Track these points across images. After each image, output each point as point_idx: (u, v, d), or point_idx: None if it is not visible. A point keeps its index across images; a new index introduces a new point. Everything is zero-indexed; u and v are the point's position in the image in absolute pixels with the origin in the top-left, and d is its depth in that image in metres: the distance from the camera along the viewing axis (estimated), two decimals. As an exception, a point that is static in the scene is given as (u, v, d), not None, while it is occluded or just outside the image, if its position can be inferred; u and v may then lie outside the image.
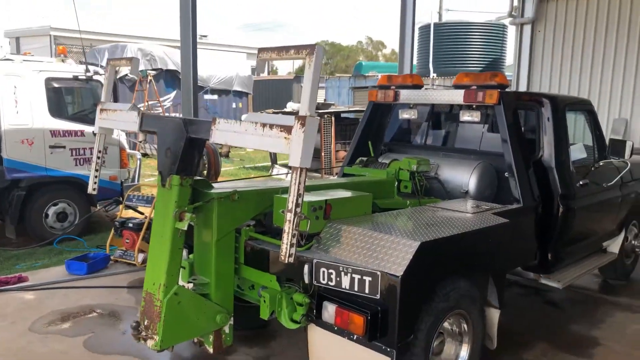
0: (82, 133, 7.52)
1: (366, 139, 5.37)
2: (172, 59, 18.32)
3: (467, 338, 3.53)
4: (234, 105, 20.64)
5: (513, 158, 4.31)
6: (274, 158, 15.33)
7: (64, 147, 7.40)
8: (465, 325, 3.51)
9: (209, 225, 3.31)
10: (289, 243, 2.46)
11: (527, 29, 12.56)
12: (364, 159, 5.00)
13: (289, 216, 2.45)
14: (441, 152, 5.12)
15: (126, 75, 17.12)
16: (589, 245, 5.20)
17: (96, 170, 3.95)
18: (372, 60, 47.17)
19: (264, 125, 2.53)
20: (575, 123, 5.59)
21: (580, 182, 4.73)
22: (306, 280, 3.12)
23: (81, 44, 9.13)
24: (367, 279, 2.94)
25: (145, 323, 3.22)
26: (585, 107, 5.28)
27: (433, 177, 4.78)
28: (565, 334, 4.72)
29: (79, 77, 7.74)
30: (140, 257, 6.03)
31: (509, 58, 13.81)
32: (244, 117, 2.74)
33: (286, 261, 2.49)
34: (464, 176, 4.63)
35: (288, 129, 2.43)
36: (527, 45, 12.58)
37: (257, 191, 3.54)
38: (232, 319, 3.45)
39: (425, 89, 5.14)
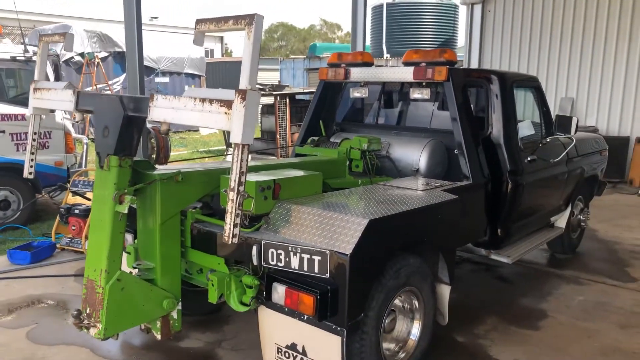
0: (23, 117, 7.17)
1: (317, 119, 5.30)
2: (122, 41, 17.69)
3: (419, 315, 3.55)
4: (186, 87, 20.15)
5: (462, 135, 4.32)
6: (228, 141, 15.09)
7: (3, 131, 7.05)
8: (417, 302, 3.52)
9: (152, 208, 3.18)
10: (232, 223, 2.37)
11: (478, 8, 12.71)
12: (315, 138, 4.93)
13: (232, 195, 2.36)
14: (393, 131, 5.11)
15: (72, 57, 16.45)
16: (537, 220, 5.31)
17: (32, 154, 3.74)
18: (328, 42, 46.92)
19: (203, 100, 2.42)
20: (525, 100, 5.66)
21: (528, 158, 4.80)
22: (255, 261, 3.05)
23: (18, 23, 8.66)
24: (316, 258, 2.89)
25: (88, 311, 3.09)
26: (532, 84, 5.34)
27: (384, 156, 4.76)
28: (514, 307, 4.83)
29: (17, 58, 7.37)
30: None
31: (461, 39, 13.93)
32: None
33: (230, 242, 2.40)
34: (414, 154, 4.62)
35: (228, 104, 2.32)
36: (478, 25, 12.73)
37: (202, 172, 3.42)
38: (180, 304, 3.35)
39: (376, 66, 5.10)
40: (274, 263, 3.03)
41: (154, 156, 3.97)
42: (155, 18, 28.43)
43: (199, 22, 2.49)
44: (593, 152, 6.26)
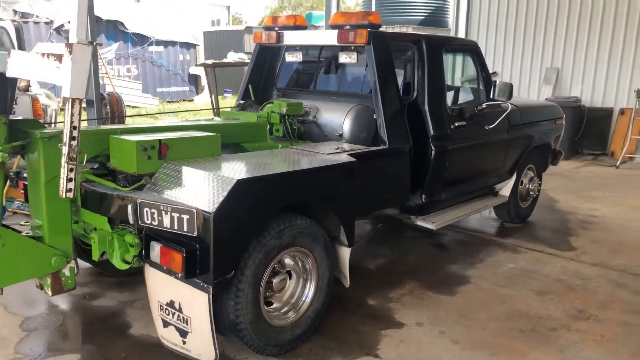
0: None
1: (254, 83, 5.27)
2: (114, 8, 17.65)
3: (312, 275, 3.57)
4: (181, 57, 20.13)
5: (380, 99, 4.28)
6: (217, 109, 15.09)
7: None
8: (309, 263, 3.54)
9: (37, 167, 3.21)
10: (65, 178, 2.39)
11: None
12: (242, 102, 4.92)
13: (64, 150, 2.37)
14: (326, 96, 5.07)
15: (62, 25, 16.45)
16: (470, 187, 5.27)
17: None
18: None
19: (44, 55, 2.42)
20: (465, 65, 5.57)
21: (456, 124, 4.74)
22: (131, 220, 3.08)
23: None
24: (185, 217, 2.91)
25: (-30, 266, 3.15)
26: (469, 49, 5.24)
27: (311, 121, 4.73)
28: (439, 273, 4.83)
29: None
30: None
31: (452, 8, 13.67)
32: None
33: (64, 197, 2.43)
34: (338, 119, 4.59)
35: (59, 58, 2.32)
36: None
37: (91, 132, 3.44)
38: (72, 261, 3.40)
39: (308, 30, 5.04)
40: (149, 222, 3.06)
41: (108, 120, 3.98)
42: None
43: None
44: (544, 120, 6.15)
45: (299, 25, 5.02)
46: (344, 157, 3.75)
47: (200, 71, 18.98)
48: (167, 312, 3.19)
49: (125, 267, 3.25)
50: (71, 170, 2.41)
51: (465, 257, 5.22)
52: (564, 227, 6.24)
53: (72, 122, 2.35)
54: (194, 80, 20.59)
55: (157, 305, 3.24)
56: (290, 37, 4.95)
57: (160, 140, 3.30)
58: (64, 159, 2.40)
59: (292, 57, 5.14)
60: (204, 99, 19.67)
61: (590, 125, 10.86)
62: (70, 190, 2.42)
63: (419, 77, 4.59)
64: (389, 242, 5.63)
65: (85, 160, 2.84)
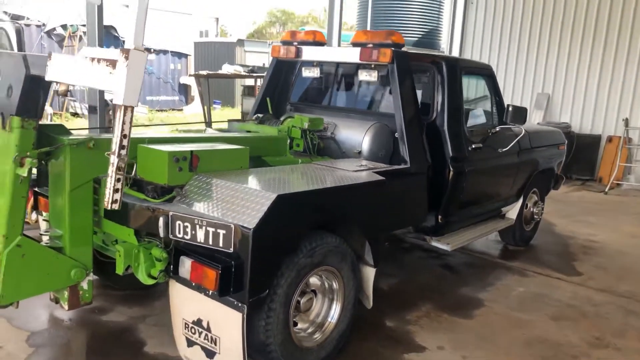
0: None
1: (269, 96, 5.22)
2: (107, 13, 17.43)
3: (338, 296, 3.49)
4: (172, 67, 19.98)
5: (402, 118, 4.25)
6: (208, 121, 14.97)
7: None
8: (336, 283, 3.46)
9: (62, 174, 3.09)
10: (112, 188, 2.29)
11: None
12: (260, 115, 4.85)
13: (112, 159, 2.28)
14: (343, 113, 5.03)
15: (54, 29, 16.19)
16: (482, 209, 5.26)
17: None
18: (324, 29, 46.51)
19: (92, 59, 2.33)
20: (477, 88, 5.60)
21: (473, 146, 4.74)
22: (161, 233, 2.96)
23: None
24: (221, 232, 2.82)
25: (-13, 277, 3.00)
26: (484, 72, 5.28)
27: (329, 137, 4.68)
28: (453, 295, 4.79)
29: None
30: (34, 215, 5.70)
31: (446, 30, 13.85)
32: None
33: (109, 207, 2.33)
34: (357, 136, 4.55)
35: (113, 63, 2.24)
36: (460, 16, 12.66)
37: (119, 140, 3.32)
38: (90, 274, 3.27)
39: (328, 47, 5.02)
40: (180, 236, 2.95)
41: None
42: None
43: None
44: (549, 145, 6.21)
45: (318, 42, 5.00)
46: (373, 175, 3.70)
47: (190, 81, 18.85)
48: (192, 330, 3.07)
49: (150, 282, 3.12)
50: (118, 180, 2.31)
51: (475, 279, 5.20)
52: (567, 252, 6.27)
53: (122, 130, 2.25)
54: (184, 89, 20.44)
55: (182, 323, 3.12)
56: (310, 53, 4.92)
57: (192, 151, 3.21)
58: (111, 169, 2.30)
59: (308, 73, 5.10)
60: (193, 109, 19.53)
61: (578, 151, 11.04)
62: (116, 201, 2.32)
63: (438, 98, 4.59)
64: (396, 261, 5.58)
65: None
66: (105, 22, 17.67)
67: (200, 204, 3.05)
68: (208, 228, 2.86)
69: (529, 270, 5.55)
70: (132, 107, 2.25)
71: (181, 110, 19.79)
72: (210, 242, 2.86)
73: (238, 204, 2.93)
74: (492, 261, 5.83)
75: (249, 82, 15.28)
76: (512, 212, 5.86)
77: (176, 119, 18.28)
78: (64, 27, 17.12)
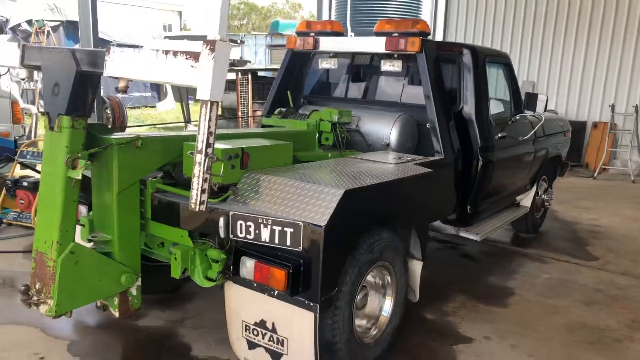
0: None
1: (284, 89, 5.08)
2: (75, 10, 16.84)
3: (391, 291, 3.43)
4: (143, 62, 19.44)
5: (435, 109, 4.20)
6: (187, 117, 14.64)
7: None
8: (389, 278, 3.40)
9: (109, 175, 2.93)
10: (199, 189, 2.16)
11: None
12: (283, 109, 4.73)
13: (199, 158, 2.15)
14: (362, 105, 4.95)
15: (19, 24, 15.55)
16: (505, 198, 5.28)
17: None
18: (290, 21, 46.14)
19: (167, 52, 2.19)
20: (497, 77, 5.60)
21: (499, 135, 4.74)
22: (222, 234, 2.85)
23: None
24: (289, 230, 2.72)
25: (37, 286, 2.84)
26: (503, 60, 5.28)
27: (354, 130, 4.60)
28: (481, 285, 4.79)
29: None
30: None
31: (426, 18, 13.89)
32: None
33: (197, 209, 2.20)
34: (385, 128, 4.48)
35: (195, 56, 2.10)
36: (443, 4, 12.73)
37: (163, 138, 3.18)
38: (139, 279, 3.12)
39: (347, 37, 4.92)
40: (242, 236, 2.83)
41: (109, 127, 3.67)
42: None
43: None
44: (557, 133, 6.28)
45: (336, 32, 4.90)
46: (419, 167, 3.65)
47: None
48: (255, 332, 2.96)
49: (208, 284, 3.00)
50: (205, 180, 2.18)
51: (498, 268, 5.22)
52: (576, 237, 6.36)
53: (209, 127, 2.12)
54: (156, 85, 19.92)
55: (242, 325, 3.01)
56: (327, 43, 4.81)
57: (243, 148, 3.09)
58: (197, 168, 2.17)
59: (325, 64, 4.99)
60: (166, 106, 19.08)
61: (564, 138, 11.23)
62: (203, 203, 2.19)
63: (466, 87, 4.55)
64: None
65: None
66: (73, 18, 17.10)
67: (259, 202, 2.94)
68: (274, 227, 2.75)
69: (546, 257, 5.60)
70: (218, 103, 2.12)
71: (154, 107, 19.29)
72: (277, 241, 2.76)
73: (301, 201, 2.83)
74: (508, 249, 5.86)
75: (229, 76, 15.01)
76: (527, 200, 5.90)
77: (151, 116, 17.86)
78: (29, 22, 16.46)
